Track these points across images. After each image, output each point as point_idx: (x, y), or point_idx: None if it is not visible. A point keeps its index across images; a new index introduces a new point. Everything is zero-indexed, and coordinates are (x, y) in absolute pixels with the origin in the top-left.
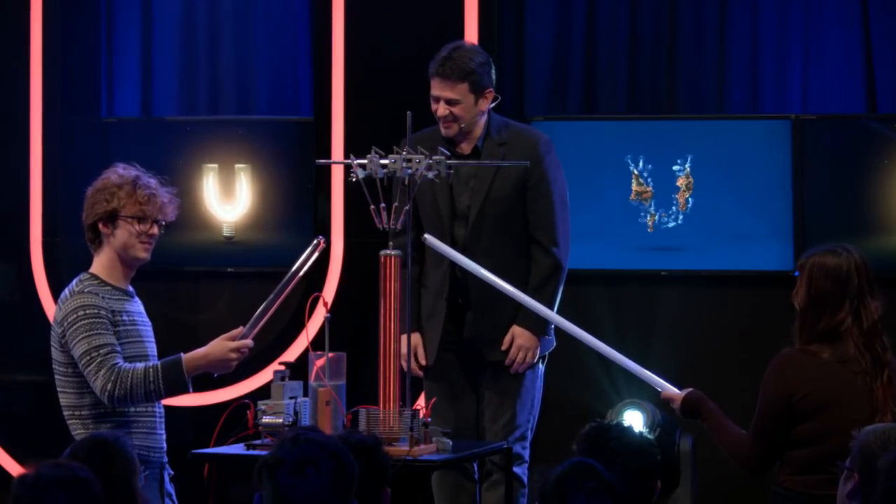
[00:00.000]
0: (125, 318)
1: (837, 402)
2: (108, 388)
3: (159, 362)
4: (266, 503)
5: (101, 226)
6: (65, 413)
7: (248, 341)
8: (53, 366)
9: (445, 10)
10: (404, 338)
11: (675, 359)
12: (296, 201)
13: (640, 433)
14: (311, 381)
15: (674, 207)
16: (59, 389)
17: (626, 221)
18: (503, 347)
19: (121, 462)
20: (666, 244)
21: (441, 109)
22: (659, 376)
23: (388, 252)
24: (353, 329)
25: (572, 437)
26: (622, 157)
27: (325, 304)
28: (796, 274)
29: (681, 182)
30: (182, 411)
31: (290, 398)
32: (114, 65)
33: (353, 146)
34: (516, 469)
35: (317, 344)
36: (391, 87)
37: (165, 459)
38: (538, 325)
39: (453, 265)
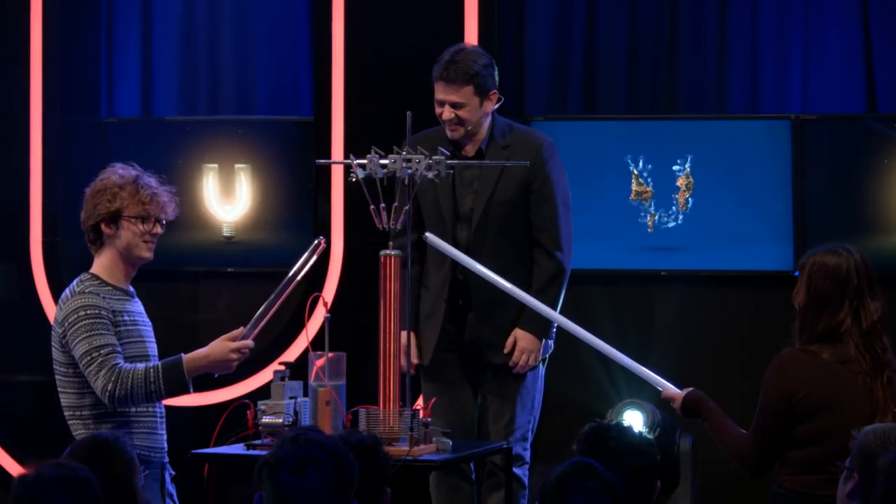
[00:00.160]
0: (126, 318)
1: (838, 402)
2: (109, 388)
3: (160, 363)
4: (266, 503)
5: (103, 226)
6: (65, 413)
7: (249, 342)
8: (54, 366)
9: (445, 10)
10: (403, 334)
11: (675, 359)
12: (296, 201)
13: (640, 433)
14: (311, 381)
15: (674, 207)
16: (59, 390)
17: (626, 221)
18: (506, 350)
19: (121, 462)
20: (666, 244)
21: (446, 113)
22: (659, 376)
23: (388, 252)
24: (353, 329)
25: (572, 437)
26: (622, 157)
27: (325, 304)
28: (796, 274)
29: (681, 182)
30: (182, 411)
31: (290, 398)
32: (114, 65)
33: (353, 146)
34: (516, 470)
35: (317, 344)
36: (391, 87)
37: (166, 459)
38: (541, 328)
39: (455, 266)
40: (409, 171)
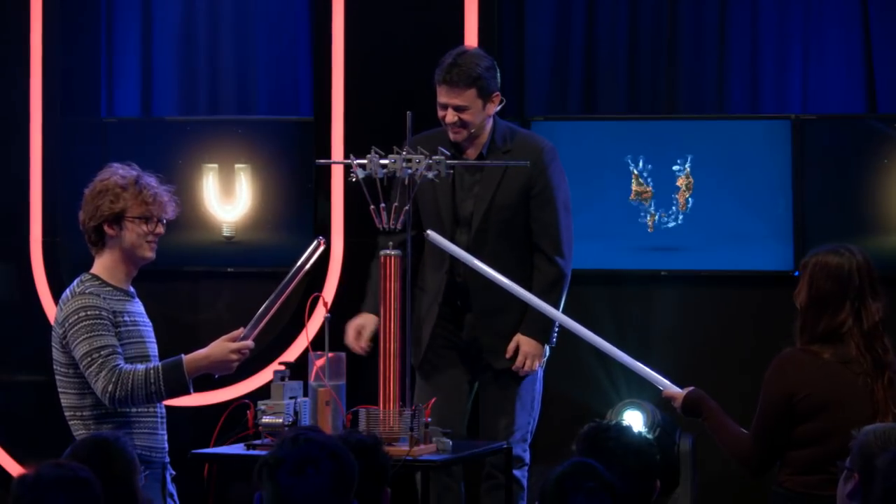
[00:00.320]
0: (126, 318)
1: (839, 402)
2: (109, 389)
3: (160, 364)
4: (266, 503)
5: (106, 227)
6: (66, 414)
7: (249, 342)
8: (54, 366)
9: (445, 10)
10: (363, 318)
11: (675, 359)
12: (296, 201)
13: (639, 433)
14: (311, 381)
15: (674, 207)
16: (60, 390)
17: (626, 221)
18: (508, 355)
19: (121, 462)
20: (666, 244)
21: (450, 116)
22: (660, 375)
23: (388, 252)
24: None
25: (572, 437)
26: (622, 157)
27: (325, 304)
28: (796, 274)
29: (681, 182)
30: (182, 411)
31: (290, 398)
32: (114, 65)
33: (353, 146)
34: (515, 472)
35: (317, 344)
36: (391, 87)
37: (167, 460)
38: (543, 333)
39: (453, 269)
40: (410, 171)
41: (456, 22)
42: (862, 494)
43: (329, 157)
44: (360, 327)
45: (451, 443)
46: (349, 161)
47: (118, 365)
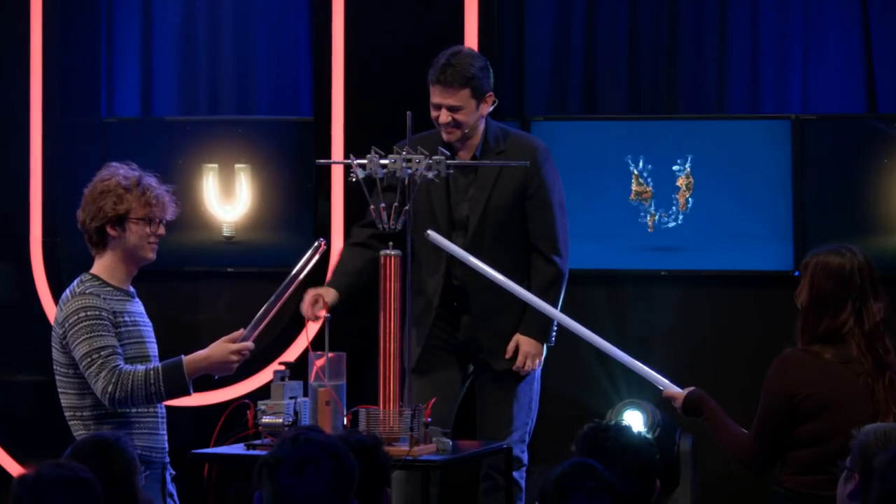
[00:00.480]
0: (126, 318)
1: (840, 402)
2: (109, 390)
3: (160, 364)
4: (266, 503)
5: (108, 228)
6: (66, 414)
7: (249, 343)
8: (54, 366)
9: (445, 10)
10: (323, 289)
11: (675, 359)
12: (296, 201)
13: (638, 433)
14: (311, 381)
15: (674, 207)
16: (60, 390)
17: (626, 221)
18: (508, 356)
19: (121, 462)
20: (666, 244)
21: (443, 117)
22: (660, 375)
23: (388, 252)
24: (354, 329)
25: (572, 437)
26: (622, 157)
27: (325, 303)
28: (797, 274)
29: (681, 182)
30: (182, 411)
31: (290, 398)
32: (114, 65)
33: (353, 146)
34: (513, 473)
35: (317, 344)
36: (391, 87)
37: (167, 460)
38: (542, 332)
39: (450, 272)
40: (409, 171)
41: (456, 22)
42: (862, 494)
43: (329, 157)
44: (318, 296)
45: (451, 443)
46: (349, 161)
47: (118, 365)
